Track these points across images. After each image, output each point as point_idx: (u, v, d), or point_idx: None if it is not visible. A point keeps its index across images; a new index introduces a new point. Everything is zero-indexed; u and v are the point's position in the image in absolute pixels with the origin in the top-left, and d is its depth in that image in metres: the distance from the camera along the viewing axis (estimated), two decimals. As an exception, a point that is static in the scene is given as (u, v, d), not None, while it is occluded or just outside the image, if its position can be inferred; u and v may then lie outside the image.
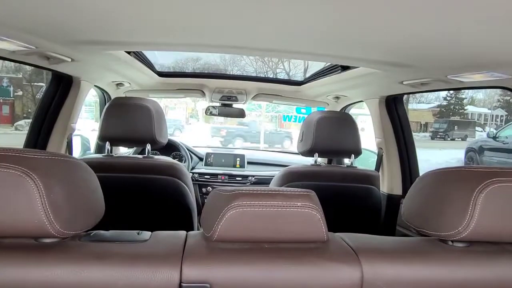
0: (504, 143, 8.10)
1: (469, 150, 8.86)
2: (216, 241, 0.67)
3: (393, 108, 1.79)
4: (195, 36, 1.01)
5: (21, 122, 11.85)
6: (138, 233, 0.70)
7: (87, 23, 0.89)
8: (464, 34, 0.78)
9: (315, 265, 0.65)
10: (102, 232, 0.70)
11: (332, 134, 1.56)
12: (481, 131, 16.29)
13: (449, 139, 16.05)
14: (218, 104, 2.35)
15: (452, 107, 19.42)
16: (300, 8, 0.71)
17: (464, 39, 0.82)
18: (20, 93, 13.18)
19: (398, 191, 1.81)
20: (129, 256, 0.63)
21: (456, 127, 16.77)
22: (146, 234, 0.70)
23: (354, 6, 0.68)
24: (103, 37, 1.03)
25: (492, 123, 18.84)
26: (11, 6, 0.76)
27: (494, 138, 8.38)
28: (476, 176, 0.68)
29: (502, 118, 18.98)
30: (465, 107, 19.60)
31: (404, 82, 1.36)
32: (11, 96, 13.01)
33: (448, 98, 19.25)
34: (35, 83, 12.58)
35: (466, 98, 19.63)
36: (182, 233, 0.73)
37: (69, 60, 1.24)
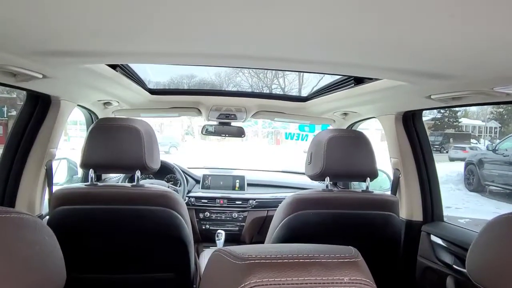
0: (504, 156, 7.98)
1: (468, 163, 8.70)
2: None
3: (411, 125, 1.62)
4: (190, 44, 0.84)
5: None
6: None
7: (53, 29, 0.71)
8: None
9: None
10: None
11: (345, 155, 1.38)
12: (476, 143, 16.31)
13: (445, 151, 15.98)
14: (215, 123, 2.19)
15: (446, 120, 19.41)
16: (317, 11, 0.55)
17: None
18: (14, 113, 12.95)
19: (418, 217, 1.63)
20: None
21: (451, 140, 16.74)
22: None
23: (382, 6, 0.51)
24: (75, 46, 0.84)
25: (486, 135, 18.85)
26: None
27: (494, 151, 8.26)
28: None
29: (496, 130, 19.02)
30: (459, 120, 19.61)
31: (433, 96, 1.17)
32: (5, 116, 12.78)
33: (442, 111, 19.26)
34: (29, 103, 12.42)
35: (459, 110, 19.68)
36: None
37: (40, 76, 1.05)
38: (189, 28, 0.70)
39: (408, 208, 1.64)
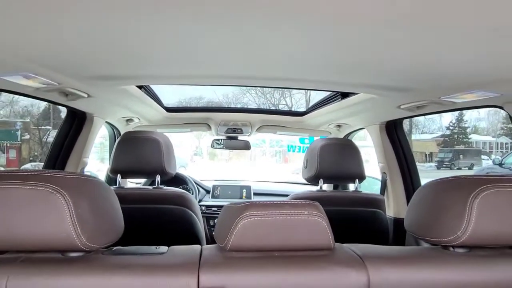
0: (510, 169, 8.07)
1: (476, 178, 8.76)
2: (230, 251, 0.73)
3: (394, 133, 1.85)
4: (204, 68, 1.12)
5: (27, 165, 11.92)
6: (156, 248, 0.75)
7: (105, 58, 0.99)
8: (453, 55, 0.86)
9: (323, 271, 0.70)
10: (122, 247, 0.75)
11: (336, 159, 1.61)
12: (487, 159, 16.13)
13: (455, 168, 15.84)
14: (223, 137, 2.44)
15: (455, 136, 19.28)
16: (300, 37, 0.80)
17: (453, 60, 0.90)
18: (27, 136, 13.44)
19: (404, 214, 1.82)
20: (149, 267, 0.68)
21: (461, 156, 16.61)
22: (163, 248, 0.76)
23: (353, 33, 0.75)
24: (117, 71, 1.13)
25: (497, 151, 18.67)
26: (43, 46, 0.86)
27: (500, 164, 8.36)
28: (471, 183, 0.72)
29: (507, 145, 18.86)
30: (469, 136, 19.48)
31: (402, 107, 1.43)
32: (19, 140, 13.27)
33: (451, 128, 19.18)
34: (42, 127, 12.89)
35: (469, 127, 19.55)
36: (197, 246, 0.78)
37: (86, 96, 1.34)
38: (204, 56, 0.97)
39: (395, 207, 1.85)
